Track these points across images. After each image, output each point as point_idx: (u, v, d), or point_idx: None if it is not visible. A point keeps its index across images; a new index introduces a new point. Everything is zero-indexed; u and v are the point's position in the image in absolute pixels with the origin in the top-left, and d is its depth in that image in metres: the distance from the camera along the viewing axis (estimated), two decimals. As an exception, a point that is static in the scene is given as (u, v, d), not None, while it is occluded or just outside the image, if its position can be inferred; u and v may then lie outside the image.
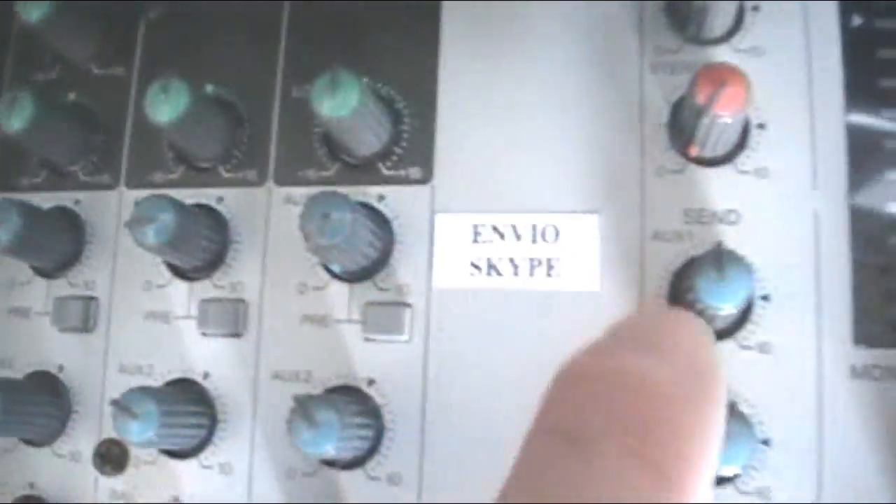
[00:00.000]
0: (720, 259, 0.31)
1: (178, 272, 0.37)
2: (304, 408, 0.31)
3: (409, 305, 0.34)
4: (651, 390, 0.18)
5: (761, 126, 0.34)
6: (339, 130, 0.34)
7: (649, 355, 0.19)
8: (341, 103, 0.32)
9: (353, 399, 0.34)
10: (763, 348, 0.33)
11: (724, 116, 0.31)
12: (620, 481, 0.16)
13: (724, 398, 0.19)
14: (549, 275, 0.34)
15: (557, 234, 0.34)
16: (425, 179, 0.35)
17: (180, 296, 0.36)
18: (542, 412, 0.18)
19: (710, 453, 0.17)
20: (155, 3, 0.39)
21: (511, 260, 0.34)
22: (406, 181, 0.35)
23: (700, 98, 0.31)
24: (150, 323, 0.37)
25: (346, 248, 0.32)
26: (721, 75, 0.31)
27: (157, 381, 0.36)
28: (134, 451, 0.36)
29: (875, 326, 0.33)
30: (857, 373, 0.33)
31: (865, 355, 0.33)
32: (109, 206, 0.38)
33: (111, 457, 0.36)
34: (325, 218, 0.32)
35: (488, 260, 0.34)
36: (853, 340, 0.33)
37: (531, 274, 0.34)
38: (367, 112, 0.33)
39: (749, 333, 0.33)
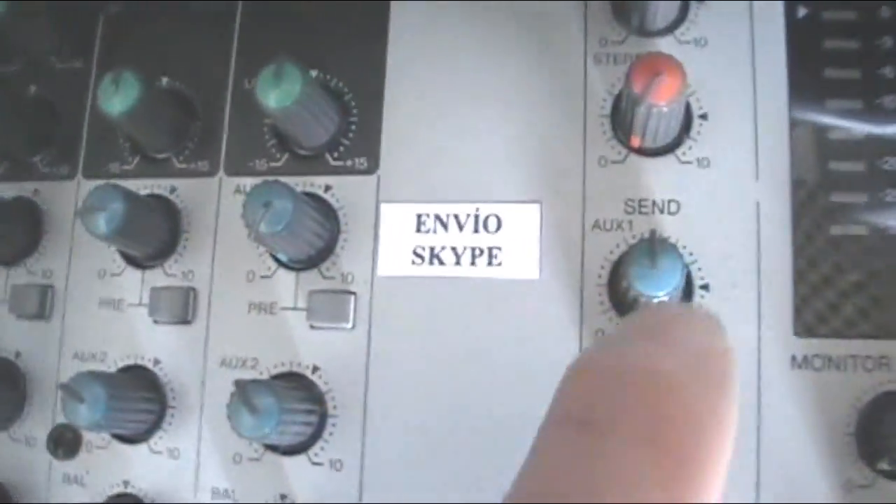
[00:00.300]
0: (653, 248, 0.31)
1: (132, 261, 0.37)
2: (244, 393, 0.31)
3: (353, 293, 0.35)
4: (663, 381, 0.18)
5: (703, 116, 0.34)
6: (284, 121, 0.34)
7: (660, 347, 0.19)
8: (285, 94, 0.33)
9: (296, 385, 0.34)
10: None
11: (659, 106, 0.31)
12: (636, 469, 0.16)
13: (737, 391, 0.19)
14: (490, 263, 0.34)
15: (500, 223, 0.34)
16: (371, 170, 0.36)
17: (133, 284, 0.37)
18: (555, 405, 0.18)
19: (724, 443, 0.17)
20: (114, -2, 0.40)
21: (453, 249, 0.35)
22: (353, 171, 0.36)
23: (636, 88, 0.31)
24: (105, 310, 0.37)
25: (287, 237, 0.33)
26: (656, 65, 0.31)
27: (110, 368, 0.37)
28: (87, 436, 0.36)
29: (816, 316, 0.33)
30: (798, 363, 0.33)
31: (806, 345, 0.33)
32: (67, 196, 0.39)
33: (64, 441, 0.36)
34: (266, 207, 0.32)
35: (431, 249, 0.35)
36: (794, 330, 0.33)
37: (473, 263, 0.34)
38: (311, 103, 0.34)
39: (688, 323, 0.33)
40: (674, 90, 0.31)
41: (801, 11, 0.35)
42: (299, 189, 0.36)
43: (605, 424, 0.17)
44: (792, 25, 0.35)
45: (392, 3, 0.37)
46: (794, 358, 0.33)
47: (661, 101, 0.31)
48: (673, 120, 0.33)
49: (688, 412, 0.17)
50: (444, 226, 0.35)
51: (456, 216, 0.35)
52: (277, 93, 0.33)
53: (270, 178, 0.33)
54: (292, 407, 0.33)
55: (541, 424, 0.18)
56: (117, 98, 0.35)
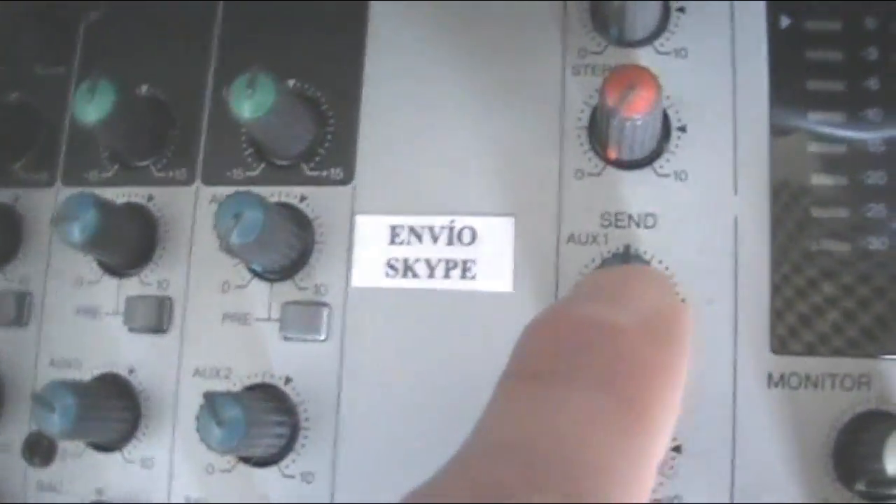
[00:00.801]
0: (627, 262, 0.31)
1: (109, 269, 0.37)
2: (211, 406, 0.31)
3: (326, 305, 0.35)
4: (616, 335, 0.18)
5: (682, 129, 0.34)
6: (258, 131, 0.34)
7: (613, 304, 0.19)
8: (258, 104, 0.33)
9: (269, 397, 0.34)
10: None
11: (633, 119, 0.30)
12: (597, 415, 0.16)
13: (686, 346, 0.19)
14: (464, 276, 0.34)
15: (474, 236, 0.34)
16: (347, 180, 0.36)
17: (109, 292, 0.37)
18: (511, 360, 0.18)
19: (674, 394, 0.18)
20: (95, 4, 0.40)
21: (427, 261, 0.34)
22: (328, 182, 0.36)
23: (609, 101, 0.30)
24: (81, 318, 0.37)
25: (258, 248, 0.33)
26: (630, 78, 0.30)
27: (85, 376, 0.37)
28: (62, 445, 0.36)
29: (794, 334, 0.32)
30: (774, 381, 0.32)
31: (783, 363, 0.32)
32: (46, 204, 0.39)
33: (39, 449, 0.36)
34: (236, 218, 0.32)
35: (405, 261, 0.34)
36: (771, 348, 0.32)
37: (447, 275, 0.34)
38: (285, 113, 0.34)
39: (663, 339, 0.32)
40: (648, 103, 0.30)
41: (784, 22, 0.35)
42: (274, 199, 0.36)
43: (563, 375, 0.17)
44: (774, 36, 0.34)
45: (371, 12, 0.37)
46: (770, 376, 0.32)
47: (635, 115, 0.30)
48: (649, 132, 0.32)
49: (642, 363, 0.18)
50: (419, 238, 0.34)
51: (430, 228, 0.34)
52: (251, 103, 0.33)
53: (242, 189, 0.33)
54: (262, 419, 0.33)
55: (498, 380, 0.18)
56: (92, 106, 0.35)
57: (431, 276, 0.34)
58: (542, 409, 0.17)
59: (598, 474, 0.16)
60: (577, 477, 0.15)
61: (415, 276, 0.34)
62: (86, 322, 0.37)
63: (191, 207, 0.37)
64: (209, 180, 0.37)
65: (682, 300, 0.32)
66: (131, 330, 0.36)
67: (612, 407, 0.17)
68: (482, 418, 0.18)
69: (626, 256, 0.31)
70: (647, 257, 0.33)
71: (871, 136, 0.33)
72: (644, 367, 0.18)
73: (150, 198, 0.37)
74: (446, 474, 0.16)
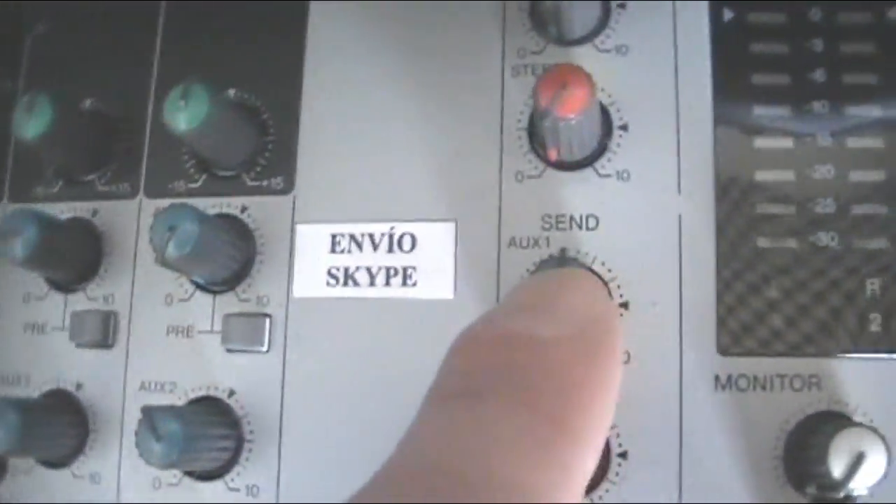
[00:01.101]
0: (563, 265, 0.30)
1: (55, 284, 0.37)
2: (149, 420, 0.31)
3: (268, 316, 0.34)
4: (541, 348, 0.18)
5: (624, 127, 0.33)
6: (195, 143, 0.34)
7: (539, 315, 0.19)
8: (192, 116, 0.32)
9: (212, 410, 0.34)
10: (623, 359, 0.32)
11: (567, 119, 0.30)
12: (516, 432, 0.16)
13: (619, 352, 0.19)
14: (405, 284, 0.33)
15: (414, 242, 0.34)
16: (287, 190, 0.35)
17: (56, 308, 0.37)
18: (437, 377, 0.19)
19: (602, 405, 0.18)
20: (42, 17, 0.40)
21: (368, 269, 0.34)
22: (269, 191, 0.35)
23: (542, 101, 0.30)
24: (29, 334, 0.37)
25: (195, 261, 0.32)
26: (562, 77, 0.30)
27: (34, 393, 0.36)
28: (11, 461, 0.36)
29: (741, 334, 0.32)
30: (722, 383, 0.31)
31: (730, 365, 0.31)
32: (-7, 220, 0.39)
33: (-10, 466, 0.36)
34: (171, 231, 0.32)
35: (346, 270, 0.34)
36: (718, 349, 0.31)
37: (387, 283, 0.34)
38: (221, 124, 0.33)
39: (606, 343, 0.32)
40: (580, 102, 0.29)
41: (728, 15, 0.34)
42: (216, 210, 0.35)
43: (486, 393, 0.17)
44: (717, 30, 0.34)
45: (310, 18, 0.36)
46: (717, 378, 0.31)
47: (569, 115, 0.30)
48: (586, 132, 0.32)
49: (567, 377, 0.18)
50: (359, 246, 0.34)
51: (371, 236, 0.34)
52: (185, 115, 0.32)
53: (177, 202, 0.33)
54: (204, 433, 0.32)
55: (424, 397, 0.18)
56: (31, 122, 0.34)
57: (372, 284, 0.34)
58: (464, 428, 0.17)
59: (521, 491, 0.16)
60: (499, 496, 0.15)
61: (356, 284, 0.34)
62: (33, 338, 0.37)
63: (134, 221, 0.37)
64: (152, 193, 0.37)
65: (622, 304, 0.32)
66: (78, 345, 0.36)
67: (534, 424, 0.16)
68: (406, 436, 0.17)
69: (563, 260, 0.30)
70: (588, 259, 0.32)
71: (818, 129, 0.32)
72: (568, 381, 0.18)
73: (95, 212, 0.37)
74: (368, 494, 0.16)
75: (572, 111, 0.29)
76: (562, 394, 0.17)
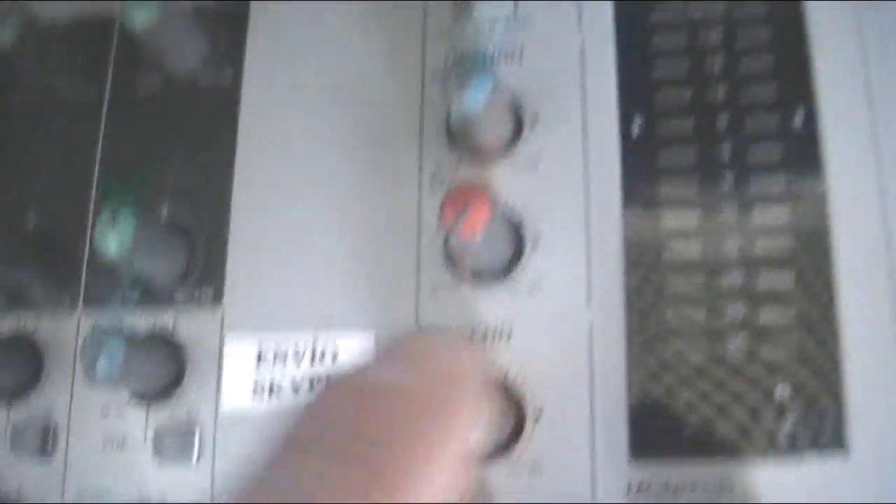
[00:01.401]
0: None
1: (-2, 396, 0.38)
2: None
3: (197, 429, 0.35)
4: (389, 397, 0.19)
5: (535, 240, 0.34)
6: (125, 264, 0.35)
7: (398, 367, 0.20)
8: (119, 240, 0.34)
9: (144, 522, 0.35)
10: (534, 468, 0.32)
11: (469, 238, 0.31)
12: (344, 487, 0.17)
13: (472, 406, 0.20)
14: (327, 395, 0.34)
15: (336, 352, 0.35)
16: (216, 301, 0.36)
17: (-1, 420, 0.38)
18: (288, 427, 0.20)
19: (428, 459, 0.18)
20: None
21: (292, 380, 0.35)
22: (199, 303, 0.36)
23: (446, 222, 0.31)
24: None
25: (123, 380, 0.33)
26: (464, 198, 0.31)
27: (-23, 503, 0.37)
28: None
29: (653, 440, 0.32)
30: (634, 491, 0.32)
31: (643, 471, 0.32)
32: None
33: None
34: (99, 351, 0.33)
35: (271, 381, 0.35)
36: (629, 456, 0.32)
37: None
38: (148, 244, 0.35)
39: (520, 452, 0.32)
40: (480, 224, 0.31)
41: (637, 123, 0.35)
42: (149, 323, 0.37)
43: (310, 444, 0.18)
44: (627, 141, 0.35)
45: (240, 135, 0.38)
46: (629, 485, 0.32)
47: (470, 235, 0.31)
48: (494, 249, 0.33)
49: (402, 425, 0.19)
50: (283, 358, 0.35)
51: (295, 345, 0.35)
52: (113, 239, 0.34)
53: (105, 323, 0.34)
54: (134, 547, 0.33)
55: (276, 443, 0.19)
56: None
57: (296, 394, 0.35)
58: (303, 480, 0.17)
59: None
60: None
61: (280, 395, 0.35)
62: (-24, 450, 0.38)
63: (73, 334, 0.38)
64: (91, 306, 0.38)
65: (535, 412, 0.32)
66: (18, 457, 0.37)
67: (363, 480, 0.17)
68: (253, 479, 0.18)
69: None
70: (502, 369, 0.33)
71: (727, 234, 0.33)
72: (406, 429, 0.19)
73: (35, 329, 0.38)
74: None
75: (473, 232, 0.31)
76: (389, 443, 0.18)
